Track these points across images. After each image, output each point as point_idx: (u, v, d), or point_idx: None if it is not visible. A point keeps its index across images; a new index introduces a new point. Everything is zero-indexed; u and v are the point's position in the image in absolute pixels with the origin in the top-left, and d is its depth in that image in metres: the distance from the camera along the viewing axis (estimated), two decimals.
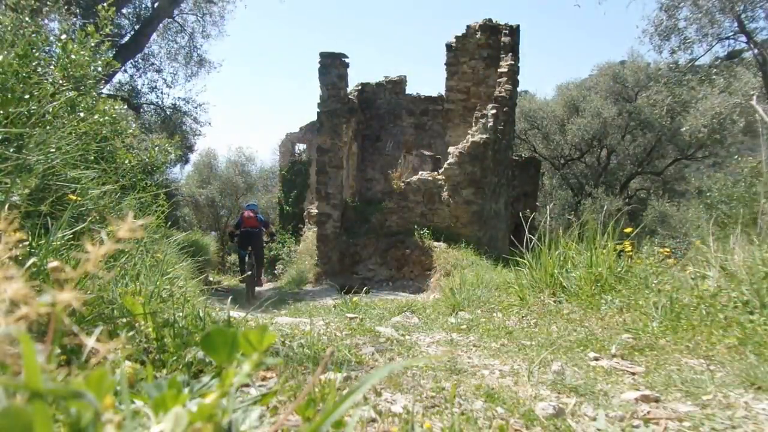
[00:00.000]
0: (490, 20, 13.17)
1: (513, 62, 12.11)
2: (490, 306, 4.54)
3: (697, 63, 15.62)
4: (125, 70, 16.73)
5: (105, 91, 11.47)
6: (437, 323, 4.06)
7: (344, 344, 2.62)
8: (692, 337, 2.73)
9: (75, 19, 9.26)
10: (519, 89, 12.91)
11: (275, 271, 16.29)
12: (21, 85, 2.88)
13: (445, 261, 9.33)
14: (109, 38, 4.83)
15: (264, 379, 1.76)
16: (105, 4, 4.92)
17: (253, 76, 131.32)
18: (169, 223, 5.71)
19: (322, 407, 1.28)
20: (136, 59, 16.57)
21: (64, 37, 4.27)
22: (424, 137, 14.75)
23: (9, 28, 3.81)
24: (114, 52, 13.45)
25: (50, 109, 3.08)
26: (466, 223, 10.75)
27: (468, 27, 13.35)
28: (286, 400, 1.49)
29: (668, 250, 4.29)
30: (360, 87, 14.86)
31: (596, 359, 2.55)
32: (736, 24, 14.06)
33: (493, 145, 10.90)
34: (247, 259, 9.91)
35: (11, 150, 2.30)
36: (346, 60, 11.92)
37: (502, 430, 1.45)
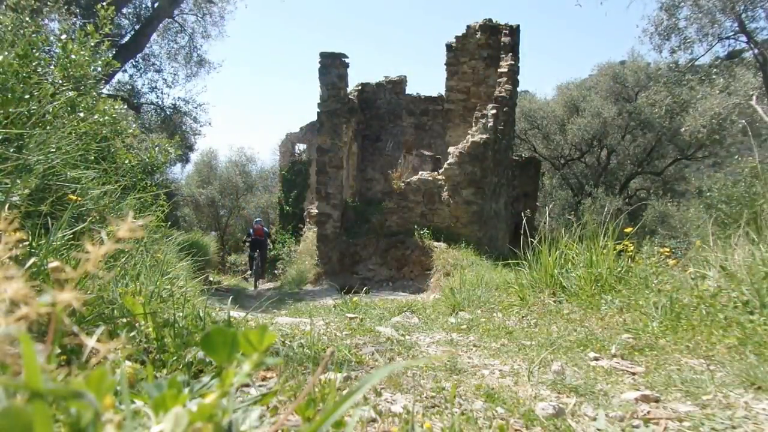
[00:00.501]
0: (490, 20, 13.17)
1: (513, 62, 12.10)
2: (490, 306, 4.54)
3: (697, 63, 15.61)
4: (125, 70, 16.75)
5: (105, 91, 11.45)
6: (437, 323, 4.06)
7: (344, 344, 2.62)
8: (692, 337, 2.73)
9: (75, 19, 9.26)
10: (519, 89, 12.92)
11: (276, 271, 16.33)
12: (21, 85, 2.88)
13: (445, 261, 9.33)
14: (109, 38, 4.82)
15: (264, 379, 1.76)
16: (104, 4, 4.92)
17: (253, 76, 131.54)
18: (169, 223, 5.71)
19: (322, 407, 1.28)
20: (136, 59, 16.58)
21: (64, 37, 4.26)
22: (424, 137, 14.75)
23: (9, 28, 3.81)
24: (114, 52, 13.45)
25: (50, 109, 3.08)
26: (466, 223, 10.75)
27: (468, 27, 13.35)
28: (286, 400, 1.49)
29: (668, 250, 4.28)
30: (360, 87, 14.87)
31: (596, 359, 2.55)
32: (736, 24, 14.06)
33: (493, 145, 10.90)
34: (255, 259, 14.13)
35: (11, 150, 2.30)
36: (346, 60, 11.93)
37: (502, 430, 1.45)
